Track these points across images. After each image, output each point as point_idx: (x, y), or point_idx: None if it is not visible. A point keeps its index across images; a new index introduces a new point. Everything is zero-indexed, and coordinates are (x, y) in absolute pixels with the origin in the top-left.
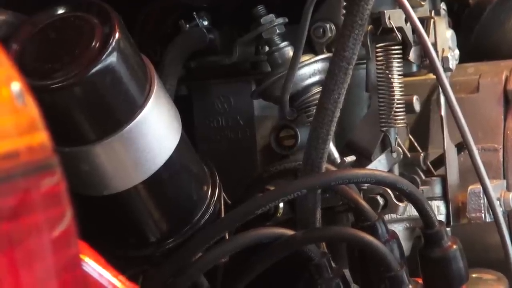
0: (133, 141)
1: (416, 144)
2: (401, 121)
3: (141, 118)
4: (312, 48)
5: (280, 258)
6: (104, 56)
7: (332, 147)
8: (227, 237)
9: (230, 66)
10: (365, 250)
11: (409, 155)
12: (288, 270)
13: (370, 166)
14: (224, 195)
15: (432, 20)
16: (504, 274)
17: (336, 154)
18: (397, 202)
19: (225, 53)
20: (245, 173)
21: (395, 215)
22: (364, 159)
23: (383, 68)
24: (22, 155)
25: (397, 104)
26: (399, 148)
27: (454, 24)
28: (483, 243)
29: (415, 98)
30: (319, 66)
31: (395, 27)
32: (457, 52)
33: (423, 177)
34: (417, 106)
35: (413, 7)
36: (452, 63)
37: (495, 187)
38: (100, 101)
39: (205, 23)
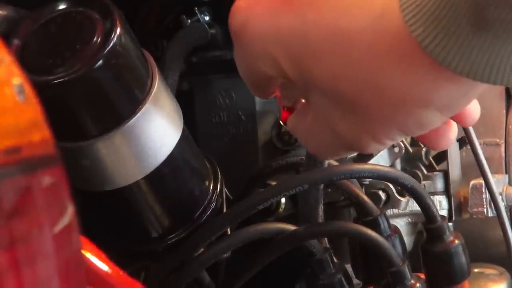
0: (134, 137)
1: None
2: None
3: (143, 114)
4: None
5: (282, 253)
6: (105, 52)
7: None
8: (229, 233)
9: (231, 61)
10: (367, 245)
11: (411, 150)
12: (290, 265)
13: (372, 161)
14: (225, 190)
15: None
16: (506, 269)
17: None
18: (399, 197)
19: (226, 48)
20: (247, 168)
21: (397, 210)
22: (366, 153)
23: None
24: (24, 151)
25: None
26: (401, 143)
27: None
28: (485, 238)
29: None
30: None
31: None
32: None
33: (425, 172)
34: None
35: None
36: None
37: (497, 182)
38: (101, 96)
39: (207, 18)
